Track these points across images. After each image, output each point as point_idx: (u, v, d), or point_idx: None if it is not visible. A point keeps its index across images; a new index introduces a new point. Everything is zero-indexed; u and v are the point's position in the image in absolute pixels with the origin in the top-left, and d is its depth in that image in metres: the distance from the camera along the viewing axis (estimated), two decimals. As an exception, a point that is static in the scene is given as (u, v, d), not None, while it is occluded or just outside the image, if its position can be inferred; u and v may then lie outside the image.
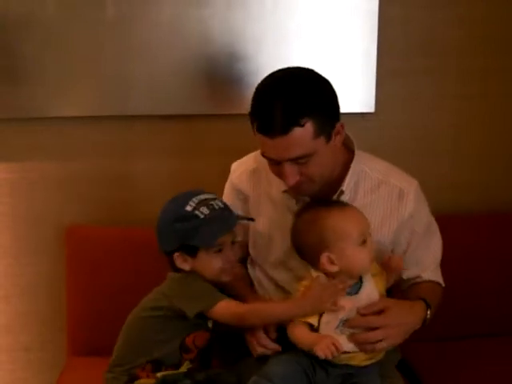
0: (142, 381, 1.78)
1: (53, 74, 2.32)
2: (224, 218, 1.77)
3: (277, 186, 1.89)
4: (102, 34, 2.31)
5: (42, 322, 2.53)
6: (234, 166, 2.04)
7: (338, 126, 1.75)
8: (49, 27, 2.28)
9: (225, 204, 1.81)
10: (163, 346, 1.78)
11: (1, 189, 2.41)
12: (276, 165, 1.74)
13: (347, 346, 1.69)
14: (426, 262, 1.93)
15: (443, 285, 1.97)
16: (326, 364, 1.72)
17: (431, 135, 2.56)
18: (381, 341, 1.70)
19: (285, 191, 1.87)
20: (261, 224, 1.95)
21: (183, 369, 1.79)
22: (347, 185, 1.85)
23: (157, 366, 1.78)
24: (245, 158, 2.03)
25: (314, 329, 1.70)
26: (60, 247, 2.38)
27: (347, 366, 1.73)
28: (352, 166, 1.86)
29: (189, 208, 1.75)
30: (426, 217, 1.95)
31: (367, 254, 1.72)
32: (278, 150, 1.69)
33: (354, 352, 1.70)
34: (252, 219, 1.88)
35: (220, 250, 1.77)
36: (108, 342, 2.18)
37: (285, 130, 1.65)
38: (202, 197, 1.78)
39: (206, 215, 1.74)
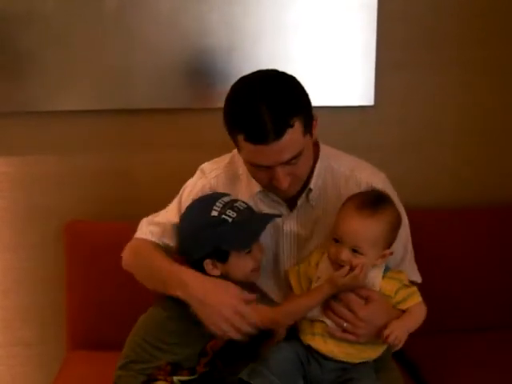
0: (160, 383, 1.75)
1: (53, 68, 2.32)
2: (255, 218, 1.76)
3: (250, 190, 1.87)
4: (101, 28, 2.31)
5: (41, 316, 2.53)
6: (208, 167, 1.96)
7: (314, 119, 1.74)
8: (49, 21, 2.28)
9: (246, 204, 1.78)
10: (182, 350, 1.75)
11: (1, 183, 2.41)
12: (265, 171, 1.72)
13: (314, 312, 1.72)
14: (396, 255, 1.85)
15: (419, 281, 1.93)
16: (318, 355, 1.73)
17: (431, 128, 2.55)
18: (346, 322, 1.70)
19: (258, 192, 1.86)
20: None
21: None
22: (315, 182, 1.84)
23: (174, 368, 1.76)
24: (216, 162, 1.97)
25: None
26: (59, 242, 2.38)
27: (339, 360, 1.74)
28: (319, 162, 1.85)
29: (215, 213, 1.72)
30: None
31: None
32: (272, 155, 1.66)
33: (316, 320, 1.72)
34: (280, 215, 1.83)
35: (250, 251, 1.75)
36: (107, 336, 2.20)
37: (279, 134, 1.62)
38: (224, 200, 1.76)
39: (233, 218, 1.71)
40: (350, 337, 1.71)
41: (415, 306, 1.73)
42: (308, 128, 1.70)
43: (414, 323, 1.73)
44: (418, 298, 1.75)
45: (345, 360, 1.73)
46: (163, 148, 2.43)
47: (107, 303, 2.29)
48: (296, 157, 1.68)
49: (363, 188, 1.85)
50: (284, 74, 1.72)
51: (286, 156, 1.66)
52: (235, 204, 1.75)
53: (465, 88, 2.54)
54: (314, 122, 1.75)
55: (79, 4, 2.28)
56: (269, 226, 1.85)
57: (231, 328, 1.69)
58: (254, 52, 2.35)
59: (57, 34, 2.30)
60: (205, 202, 1.77)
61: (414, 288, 1.76)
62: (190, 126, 2.41)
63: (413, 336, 2.29)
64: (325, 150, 1.87)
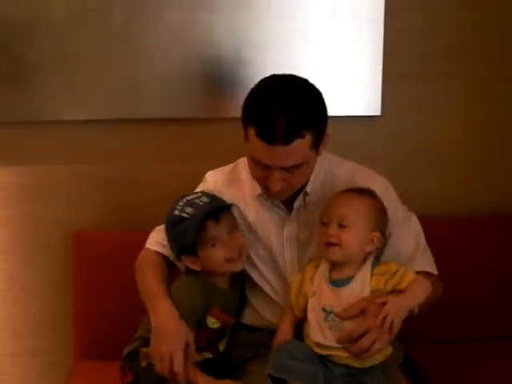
0: (144, 349, 1.84)
1: (61, 78, 2.33)
2: (203, 212, 1.79)
3: (253, 193, 1.90)
4: (109, 39, 2.32)
5: (48, 326, 2.52)
6: (210, 175, 2.02)
7: (325, 136, 1.77)
8: (58, 32, 2.30)
9: (212, 197, 1.85)
10: None
11: (8, 192, 2.42)
12: (263, 169, 1.75)
13: (333, 343, 1.71)
14: (408, 249, 1.89)
15: (435, 272, 1.93)
16: (328, 361, 1.74)
17: (438, 138, 2.55)
18: (374, 342, 1.67)
19: (258, 195, 1.89)
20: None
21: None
22: (312, 186, 1.87)
23: None
24: (220, 170, 2.02)
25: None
26: (67, 251, 2.38)
27: (349, 365, 1.74)
28: (317, 166, 1.86)
29: (176, 212, 1.82)
30: (398, 212, 1.91)
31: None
32: (275, 157, 1.70)
33: (338, 348, 1.72)
34: (229, 206, 1.87)
35: (214, 244, 1.81)
36: (114, 345, 2.18)
37: (287, 140, 1.66)
38: (188, 197, 1.84)
39: (191, 214, 1.78)
40: (385, 345, 1.72)
41: (412, 283, 1.72)
42: (316, 143, 1.73)
43: (413, 299, 1.72)
44: (411, 275, 1.74)
45: (354, 365, 1.74)
46: (171, 158, 2.44)
47: (114, 313, 2.29)
48: (296, 166, 1.71)
49: None
50: (312, 86, 1.75)
51: (287, 163, 1.70)
52: (195, 200, 1.82)
53: (472, 99, 2.54)
54: (325, 139, 1.77)
55: (87, 14, 2.29)
56: (271, 230, 1.91)
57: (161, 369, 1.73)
58: (261, 62, 2.36)
59: (65, 44, 2.31)
60: (173, 203, 1.85)
61: (404, 268, 1.76)
62: (198, 136, 2.42)
63: (420, 345, 2.29)
64: (324, 155, 1.88)
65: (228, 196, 1.94)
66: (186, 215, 1.79)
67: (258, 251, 1.95)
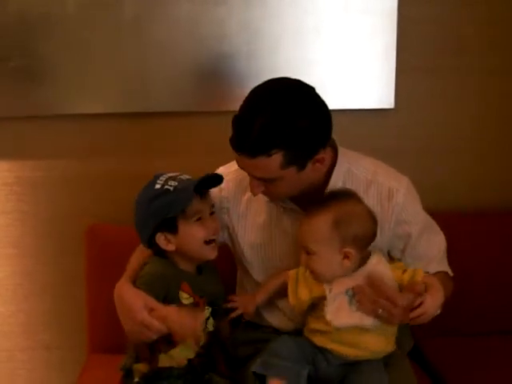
0: (139, 365, 1.81)
1: (73, 72, 2.34)
2: (193, 183, 1.74)
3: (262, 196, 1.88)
4: (120, 32, 2.32)
5: (61, 320, 2.54)
6: (221, 172, 1.96)
7: (319, 156, 1.71)
8: (69, 26, 2.30)
9: (190, 177, 1.78)
10: None
11: (21, 187, 2.43)
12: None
13: (367, 321, 1.71)
14: (429, 255, 1.89)
15: (451, 274, 1.93)
16: (327, 352, 1.75)
17: (451, 132, 2.54)
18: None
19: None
20: (252, 231, 1.95)
21: (186, 352, 1.79)
22: (333, 188, 1.83)
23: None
24: (229, 167, 1.98)
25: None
26: (80, 246, 2.38)
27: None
28: (336, 168, 1.83)
29: (158, 186, 1.75)
30: (420, 214, 1.91)
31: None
32: (244, 165, 1.70)
33: (375, 326, 1.71)
34: (221, 179, 1.79)
35: (199, 219, 1.76)
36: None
37: (251, 153, 1.64)
38: (168, 174, 1.78)
39: (175, 187, 1.72)
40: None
41: (431, 284, 1.69)
42: (294, 163, 1.66)
43: (441, 297, 1.70)
44: (421, 271, 1.73)
45: (357, 360, 1.75)
46: (183, 151, 2.44)
47: (127, 307, 2.29)
48: (267, 180, 1.69)
49: (385, 192, 1.84)
50: (308, 101, 1.67)
51: (255, 174, 1.69)
52: (179, 176, 1.76)
53: (485, 93, 2.53)
54: (321, 157, 1.71)
55: (98, 8, 2.30)
56: (288, 233, 1.89)
57: (141, 335, 1.72)
58: (272, 56, 2.36)
59: (75, 38, 2.32)
60: (150, 181, 1.79)
61: (412, 268, 1.76)
62: (210, 130, 2.41)
63: (432, 338, 2.28)
64: (344, 154, 1.86)
65: (244, 200, 1.94)
66: (170, 188, 1.73)
67: (266, 252, 1.94)
